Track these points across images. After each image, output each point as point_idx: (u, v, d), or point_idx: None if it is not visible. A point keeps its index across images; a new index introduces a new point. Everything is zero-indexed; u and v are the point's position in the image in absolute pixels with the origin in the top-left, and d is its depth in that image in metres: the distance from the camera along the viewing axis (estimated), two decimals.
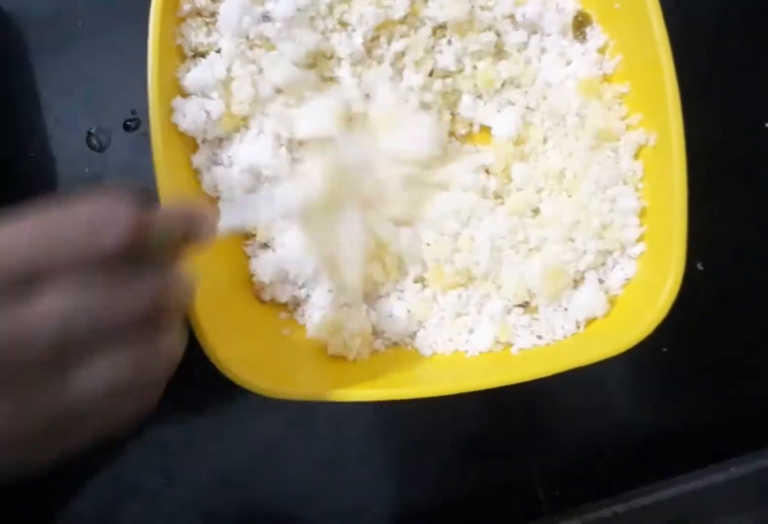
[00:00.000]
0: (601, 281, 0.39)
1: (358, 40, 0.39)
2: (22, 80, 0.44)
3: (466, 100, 0.41)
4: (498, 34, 0.40)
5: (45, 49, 0.45)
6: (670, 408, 0.43)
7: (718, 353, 0.44)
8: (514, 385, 0.34)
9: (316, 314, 0.39)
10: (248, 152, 0.39)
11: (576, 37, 0.41)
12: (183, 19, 0.39)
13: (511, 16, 0.40)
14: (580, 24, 0.40)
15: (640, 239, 0.38)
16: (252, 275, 0.39)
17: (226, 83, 0.39)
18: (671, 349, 0.43)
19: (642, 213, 0.38)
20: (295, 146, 0.39)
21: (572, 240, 0.38)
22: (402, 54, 0.40)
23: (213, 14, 0.39)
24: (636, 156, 0.39)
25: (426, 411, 0.41)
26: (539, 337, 0.38)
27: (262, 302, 0.40)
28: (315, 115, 0.38)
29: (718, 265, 0.42)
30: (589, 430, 0.43)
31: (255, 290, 0.40)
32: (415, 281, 0.40)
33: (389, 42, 0.40)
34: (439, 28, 0.40)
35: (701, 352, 0.43)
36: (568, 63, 0.40)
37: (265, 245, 0.40)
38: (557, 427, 0.43)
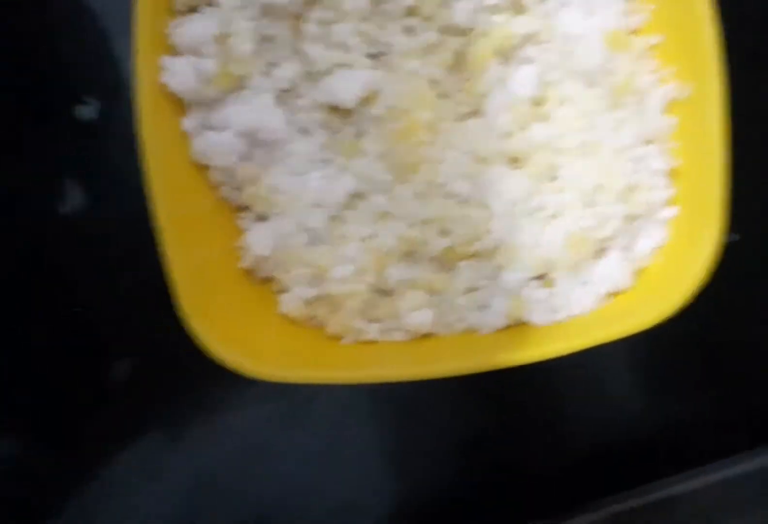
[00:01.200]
0: (626, 249, 0.35)
1: None
2: None
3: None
4: None
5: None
6: (683, 401, 0.41)
7: (743, 337, 0.40)
8: (518, 374, 0.32)
9: (311, 290, 0.36)
10: (244, 113, 0.36)
11: None
12: None
13: None
14: None
15: (670, 203, 0.35)
16: (245, 250, 0.37)
17: (222, 39, 0.36)
18: (701, 328, 0.39)
19: (673, 174, 0.35)
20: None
21: (594, 205, 0.35)
22: (412, 10, 0.37)
23: None
24: (668, 112, 0.35)
25: (426, 404, 0.40)
26: (556, 312, 0.35)
27: (256, 279, 0.37)
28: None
29: (756, 235, 0.39)
30: (594, 426, 0.42)
31: (248, 267, 0.37)
32: None
33: None
34: None
35: (726, 337, 0.40)
36: (592, 14, 0.36)
37: (261, 217, 0.37)
38: (560, 423, 0.42)
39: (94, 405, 0.42)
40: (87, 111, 0.42)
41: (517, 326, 0.35)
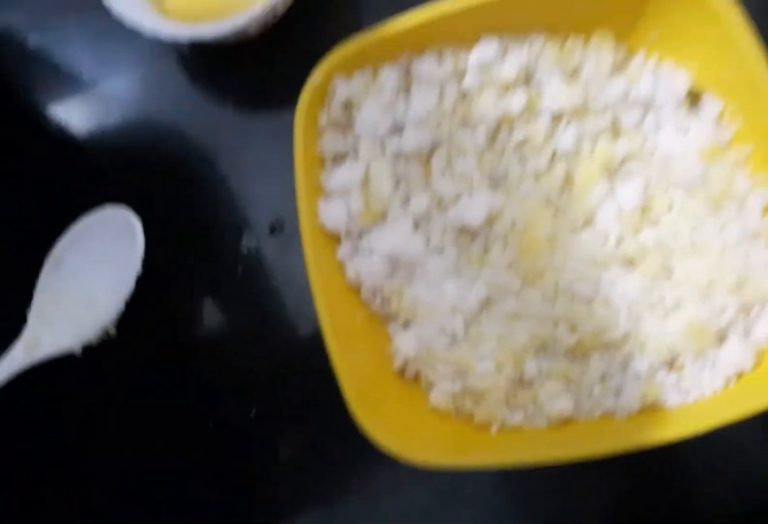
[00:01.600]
0: (746, 334, 0.38)
1: (481, 133, 0.42)
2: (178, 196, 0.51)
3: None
4: (614, 115, 0.43)
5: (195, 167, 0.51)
6: None
7: None
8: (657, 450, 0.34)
9: (456, 385, 0.40)
10: (387, 240, 0.42)
11: (691, 108, 0.42)
12: (322, 131, 0.43)
13: (625, 97, 0.42)
14: (694, 96, 0.42)
15: None
16: (396, 353, 0.42)
17: (364, 182, 0.43)
18: None
19: None
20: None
21: (710, 297, 0.39)
22: (523, 142, 0.43)
23: (348, 123, 0.44)
24: (766, 211, 0.39)
25: (562, 482, 0.43)
26: (687, 393, 0.38)
27: (407, 378, 0.42)
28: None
29: None
30: (730, 498, 0.43)
31: (399, 368, 0.42)
32: None
33: (510, 133, 0.43)
34: (556, 116, 0.43)
35: None
36: (686, 133, 0.42)
37: (406, 324, 0.43)
38: (697, 496, 0.43)
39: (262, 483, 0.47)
40: (246, 246, 0.49)
41: (652, 409, 0.38)
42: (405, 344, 0.41)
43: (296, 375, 0.47)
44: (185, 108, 0.52)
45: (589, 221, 0.42)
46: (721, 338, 0.38)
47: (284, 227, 0.49)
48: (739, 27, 0.38)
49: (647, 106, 0.43)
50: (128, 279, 0.46)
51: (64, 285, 0.47)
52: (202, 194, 0.50)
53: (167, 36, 0.46)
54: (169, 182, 0.51)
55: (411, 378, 0.42)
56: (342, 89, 0.43)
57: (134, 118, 0.52)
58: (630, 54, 0.43)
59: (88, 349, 0.46)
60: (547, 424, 0.39)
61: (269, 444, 0.47)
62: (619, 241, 0.41)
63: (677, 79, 0.42)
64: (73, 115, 0.53)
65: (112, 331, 0.46)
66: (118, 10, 0.46)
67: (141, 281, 0.46)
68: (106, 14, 0.46)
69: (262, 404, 0.47)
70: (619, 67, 0.43)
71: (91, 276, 0.48)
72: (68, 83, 0.54)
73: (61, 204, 0.51)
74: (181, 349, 0.49)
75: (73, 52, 0.54)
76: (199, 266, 0.49)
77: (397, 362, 0.42)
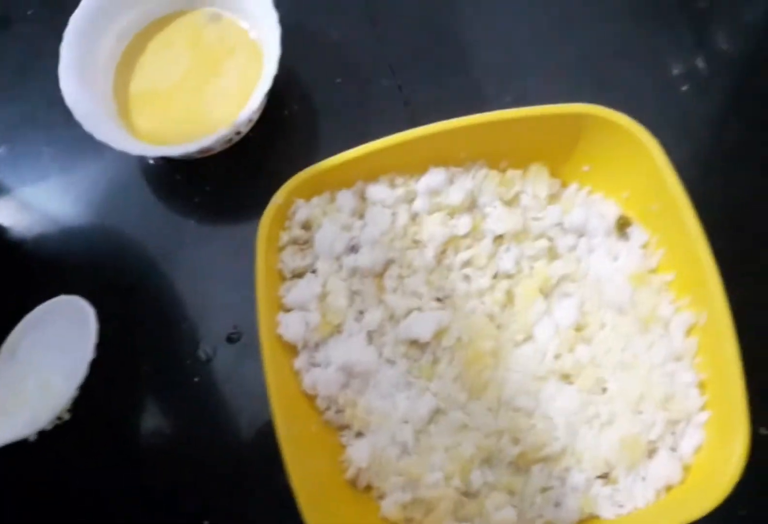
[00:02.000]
0: (673, 449, 0.41)
1: (429, 253, 0.46)
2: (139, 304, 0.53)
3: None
4: (550, 239, 0.47)
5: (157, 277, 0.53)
6: None
7: None
8: None
9: (406, 495, 0.42)
10: (342, 352, 0.44)
11: (620, 236, 0.47)
12: (282, 248, 0.46)
13: (560, 224, 0.47)
14: (622, 225, 0.47)
15: (703, 408, 0.41)
16: (348, 463, 0.43)
17: (322, 297, 0.45)
18: (749, 511, 0.44)
19: (701, 384, 0.42)
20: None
21: (640, 413, 0.42)
22: (468, 262, 0.47)
23: (307, 242, 0.47)
24: (688, 334, 0.43)
25: None
26: (621, 506, 0.40)
27: (359, 487, 0.43)
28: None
29: None
30: None
31: (351, 478, 0.43)
32: None
33: (456, 253, 0.47)
34: (498, 238, 0.47)
35: None
36: (616, 259, 0.46)
37: (359, 433, 0.44)
38: None
39: None
40: (203, 354, 0.51)
41: (590, 520, 0.41)
42: (358, 454, 0.43)
43: (250, 482, 0.48)
44: (148, 217, 0.54)
45: (529, 337, 0.46)
46: (651, 452, 0.41)
47: (242, 337, 0.50)
48: (661, 163, 0.43)
49: (580, 232, 0.47)
50: (82, 364, 0.46)
51: (19, 374, 0.48)
52: (162, 302, 0.52)
53: (136, 153, 0.49)
54: (130, 290, 0.53)
55: (363, 488, 0.43)
56: (302, 210, 0.46)
57: (98, 225, 0.55)
58: (564, 185, 0.48)
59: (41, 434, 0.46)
60: None
61: None
62: (557, 356, 0.45)
63: (607, 209, 0.47)
64: (38, 222, 0.55)
65: (66, 416, 0.47)
66: (88, 128, 0.49)
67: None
68: (74, 125, 0.48)
69: (216, 511, 0.47)
70: (554, 197, 0.48)
71: (45, 363, 0.48)
72: (34, 188, 0.56)
73: (16, 299, 0.51)
74: (131, 453, 0.50)
75: (42, 161, 0.56)
76: (155, 371, 0.51)
77: (350, 473, 0.43)
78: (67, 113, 0.49)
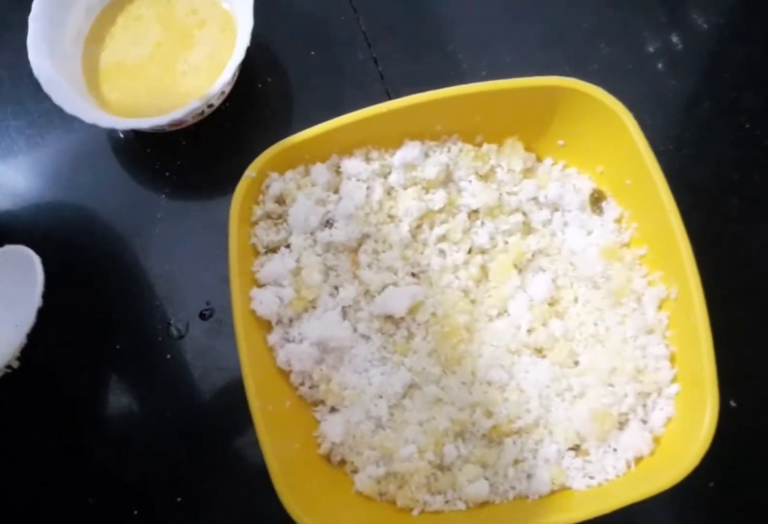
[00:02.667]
0: (644, 421, 0.42)
1: (405, 228, 0.46)
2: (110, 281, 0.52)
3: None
4: (524, 214, 0.47)
5: (128, 253, 0.52)
6: None
7: (763, 484, 0.45)
8: None
9: (380, 469, 0.42)
10: (317, 327, 0.44)
11: (594, 211, 0.47)
12: (256, 223, 0.46)
13: (535, 198, 0.47)
14: (597, 200, 0.47)
15: (674, 380, 0.42)
16: (322, 438, 0.43)
17: (296, 272, 0.45)
18: (717, 483, 0.45)
19: (672, 357, 0.42)
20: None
21: (612, 385, 0.42)
22: (443, 237, 0.47)
23: (281, 216, 0.46)
24: (660, 308, 0.43)
25: None
26: (592, 478, 0.41)
27: (333, 462, 0.44)
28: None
29: (750, 401, 0.45)
30: None
31: (325, 453, 0.43)
32: None
33: (431, 228, 0.47)
34: (473, 213, 0.47)
35: (747, 485, 0.45)
36: (589, 233, 0.46)
37: (333, 409, 0.44)
38: None
39: None
40: (175, 331, 0.51)
41: (561, 492, 0.41)
42: (331, 429, 0.43)
43: (222, 458, 0.48)
44: (118, 192, 0.54)
45: (503, 311, 0.46)
46: (622, 424, 0.42)
47: (214, 313, 0.50)
48: (637, 138, 0.43)
49: (555, 207, 0.47)
50: (30, 313, 0.45)
51: None
52: (132, 278, 0.51)
53: (106, 125, 0.48)
54: (99, 266, 0.52)
55: (337, 462, 0.44)
56: (276, 184, 0.45)
57: (67, 200, 0.54)
58: (539, 160, 0.48)
59: None
60: (466, 507, 0.41)
61: None
62: (530, 330, 0.45)
63: (581, 183, 0.47)
64: (4, 197, 0.54)
65: (15, 364, 0.47)
66: (57, 101, 0.48)
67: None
68: (43, 98, 0.48)
69: (188, 488, 0.47)
70: (529, 171, 0.48)
71: None
72: (1, 162, 0.55)
73: None
74: (95, 432, 0.50)
75: (10, 135, 0.55)
76: (127, 348, 0.50)
77: (324, 448, 0.43)
78: (35, 86, 0.48)
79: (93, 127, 0.48)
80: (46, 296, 0.45)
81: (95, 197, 0.53)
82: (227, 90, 0.52)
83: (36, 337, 0.45)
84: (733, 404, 0.45)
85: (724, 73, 0.55)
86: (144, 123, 0.48)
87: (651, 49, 0.55)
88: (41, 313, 0.45)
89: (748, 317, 0.48)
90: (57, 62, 0.50)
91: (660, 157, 0.42)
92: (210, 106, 0.51)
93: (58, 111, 0.47)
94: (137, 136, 0.54)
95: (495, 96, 0.45)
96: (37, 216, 0.53)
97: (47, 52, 0.49)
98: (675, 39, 0.55)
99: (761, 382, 0.46)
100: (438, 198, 0.46)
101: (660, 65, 0.55)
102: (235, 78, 0.52)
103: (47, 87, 0.48)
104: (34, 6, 0.50)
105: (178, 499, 0.47)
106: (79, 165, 0.54)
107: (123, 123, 0.48)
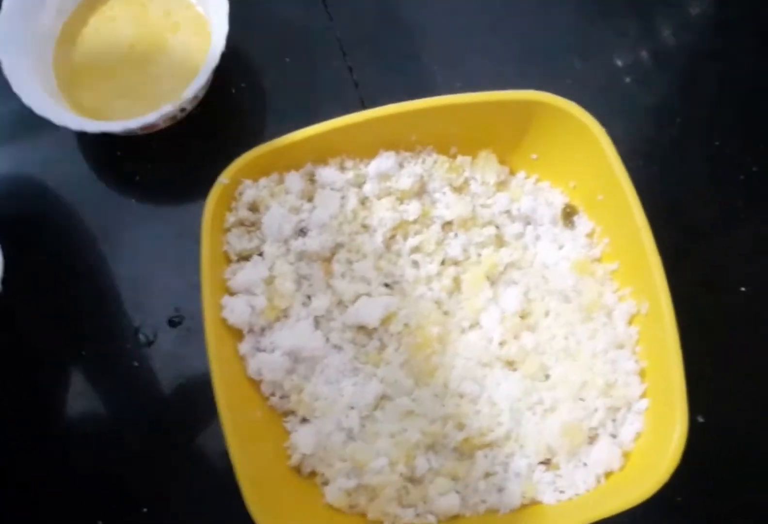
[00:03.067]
0: (613, 436, 0.42)
1: (378, 238, 0.46)
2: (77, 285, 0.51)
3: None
4: (497, 227, 0.47)
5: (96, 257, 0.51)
6: None
7: (730, 500, 0.46)
8: None
9: (351, 482, 0.42)
10: (289, 337, 0.44)
11: (566, 225, 0.47)
12: (228, 230, 0.45)
13: (508, 211, 0.47)
14: (569, 214, 0.47)
15: (643, 395, 0.42)
16: (293, 449, 0.43)
17: (268, 281, 0.45)
18: (685, 498, 0.45)
19: (642, 372, 0.43)
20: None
21: (582, 399, 0.42)
22: (417, 248, 0.47)
23: (254, 224, 0.46)
24: (630, 323, 0.44)
25: None
26: (562, 492, 0.41)
27: (303, 473, 0.43)
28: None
29: (718, 417, 0.46)
30: None
31: (295, 464, 0.43)
32: None
33: (405, 239, 0.47)
34: (447, 224, 0.47)
35: (714, 500, 0.46)
36: (561, 247, 0.47)
37: (304, 420, 0.44)
38: None
39: None
40: (143, 338, 0.50)
41: (532, 506, 0.41)
42: (302, 440, 0.43)
43: (191, 468, 0.47)
44: (87, 195, 0.53)
45: (475, 324, 0.46)
46: (592, 438, 0.42)
47: (184, 321, 0.49)
48: (610, 153, 0.43)
49: (527, 220, 0.47)
50: None
51: None
52: (100, 284, 0.51)
53: (76, 128, 0.47)
54: (66, 270, 0.51)
55: (307, 474, 0.43)
56: (249, 191, 0.45)
57: (34, 202, 0.53)
58: (512, 173, 0.48)
59: None
60: (437, 520, 0.41)
61: None
62: (502, 343, 0.45)
63: (554, 197, 0.47)
64: None
65: None
66: (26, 101, 0.47)
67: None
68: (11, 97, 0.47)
69: (155, 497, 0.47)
70: (502, 184, 0.48)
71: None
72: None
73: None
74: (59, 437, 0.49)
75: None
76: (93, 355, 0.49)
77: (294, 459, 0.43)
78: (3, 85, 0.47)
79: (63, 129, 0.47)
80: (9, 299, 0.44)
81: (63, 200, 0.52)
82: (201, 95, 0.51)
83: None
84: (700, 420, 0.45)
85: (695, 90, 0.55)
86: (115, 126, 0.47)
87: (620, 64, 0.56)
88: (3, 317, 0.44)
89: (718, 332, 0.48)
90: (27, 62, 0.49)
91: (631, 172, 0.43)
92: (183, 110, 0.50)
93: (27, 112, 0.46)
94: (109, 138, 0.53)
95: (470, 108, 0.45)
96: (2, 217, 0.52)
97: (17, 52, 0.49)
98: (645, 55, 0.56)
99: (728, 398, 0.47)
100: (412, 209, 0.46)
101: (631, 81, 0.55)
102: (209, 83, 0.51)
103: (17, 87, 0.47)
104: (5, 5, 0.49)
105: (144, 509, 0.46)
106: (47, 167, 0.53)
107: (94, 125, 0.48)
